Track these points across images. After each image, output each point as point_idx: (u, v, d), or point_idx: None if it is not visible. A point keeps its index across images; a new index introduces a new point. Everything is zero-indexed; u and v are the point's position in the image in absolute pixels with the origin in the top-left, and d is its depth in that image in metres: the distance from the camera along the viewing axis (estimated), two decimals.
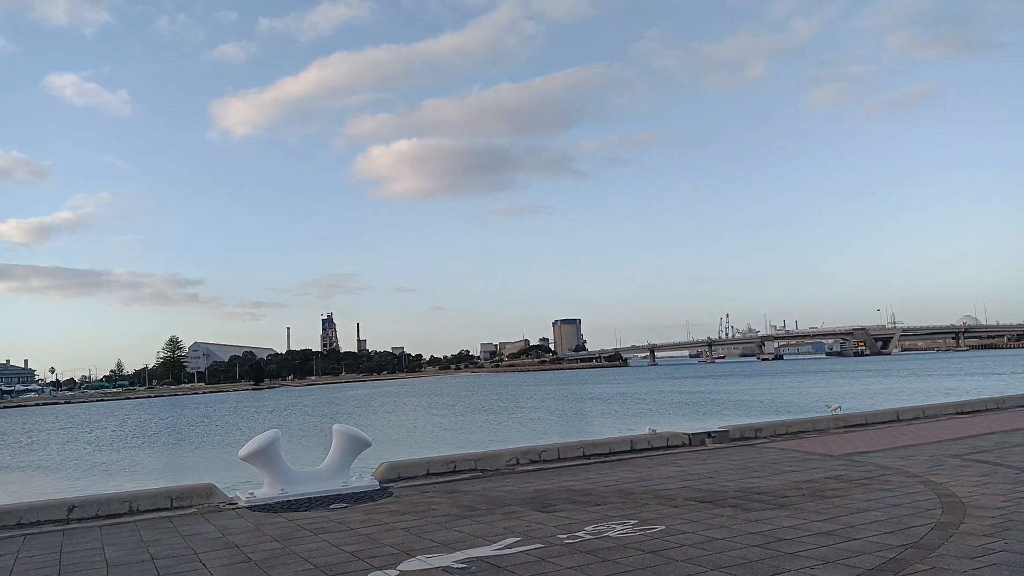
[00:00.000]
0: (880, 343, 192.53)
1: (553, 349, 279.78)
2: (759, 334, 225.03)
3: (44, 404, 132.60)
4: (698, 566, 5.24)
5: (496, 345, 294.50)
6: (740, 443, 12.74)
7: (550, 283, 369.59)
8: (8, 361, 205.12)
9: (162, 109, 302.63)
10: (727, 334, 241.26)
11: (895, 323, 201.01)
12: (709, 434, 12.94)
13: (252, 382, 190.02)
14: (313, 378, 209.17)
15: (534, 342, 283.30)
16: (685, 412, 38.61)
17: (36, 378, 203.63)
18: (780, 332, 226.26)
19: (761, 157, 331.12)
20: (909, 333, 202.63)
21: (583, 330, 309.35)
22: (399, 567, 5.62)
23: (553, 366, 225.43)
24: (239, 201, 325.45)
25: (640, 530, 6.47)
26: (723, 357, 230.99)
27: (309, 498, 9.06)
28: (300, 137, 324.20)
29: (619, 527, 6.62)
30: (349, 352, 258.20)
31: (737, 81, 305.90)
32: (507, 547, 6.07)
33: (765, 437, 13.29)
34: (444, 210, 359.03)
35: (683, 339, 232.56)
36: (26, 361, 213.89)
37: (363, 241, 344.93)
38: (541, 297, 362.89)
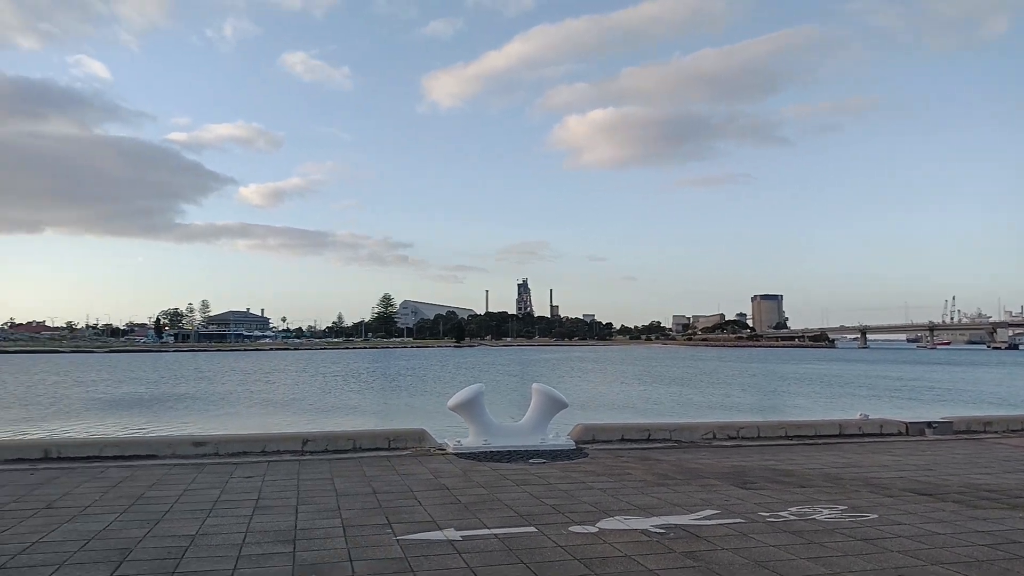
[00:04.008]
0: None
1: (751, 325, 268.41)
2: (991, 320, 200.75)
3: (277, 349, 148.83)
4: (916, 559, 4.92)
5: (689, 318, 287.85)
6: (965, 436, 11.61)
7: (749, 256, 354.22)
8: (248, 309, 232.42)
9: (379, 83, 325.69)
10: (952, 319, 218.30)
11: None
12: (930, 424, 11.91)
13: (454, 340, 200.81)
14: (508, 339, 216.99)
15: (730, 317, 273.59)
16: (901, 399, 35.61)
17: (271, 326, 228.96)
18: (1018, 319, 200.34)
19: (996, 125, 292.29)
20: None
21: (784, 307, 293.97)
22: (598, 524, 5.80)
23: (750, 342, 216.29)
24: (445, 170, 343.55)
25: (850, 516, 6.16)
26: (948, 343, 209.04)
27: (510, 451, 9.53)
28: (500, 109, 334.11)
29: (826, 511, 6.34)
30: (542, 317, 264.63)
31: (970, 41, 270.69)
32: (705, 518, 6.05)
33: (996, 432, 12.00)
34: (638, 179, 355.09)
35: (900, 321, 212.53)
36: (262, 310, 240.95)
37: (557, 210, 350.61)
38: (739, 271, 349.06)
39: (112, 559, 4.89)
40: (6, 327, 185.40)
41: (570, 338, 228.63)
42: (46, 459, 8.83)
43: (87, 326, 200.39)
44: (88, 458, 8.89)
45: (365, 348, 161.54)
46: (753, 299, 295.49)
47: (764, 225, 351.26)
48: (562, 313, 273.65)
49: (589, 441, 10.32)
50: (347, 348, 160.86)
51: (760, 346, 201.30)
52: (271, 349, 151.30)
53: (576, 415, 18.65)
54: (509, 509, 6.33)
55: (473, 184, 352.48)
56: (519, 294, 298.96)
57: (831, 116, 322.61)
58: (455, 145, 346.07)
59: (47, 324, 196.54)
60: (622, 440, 10.52)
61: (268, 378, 53.45)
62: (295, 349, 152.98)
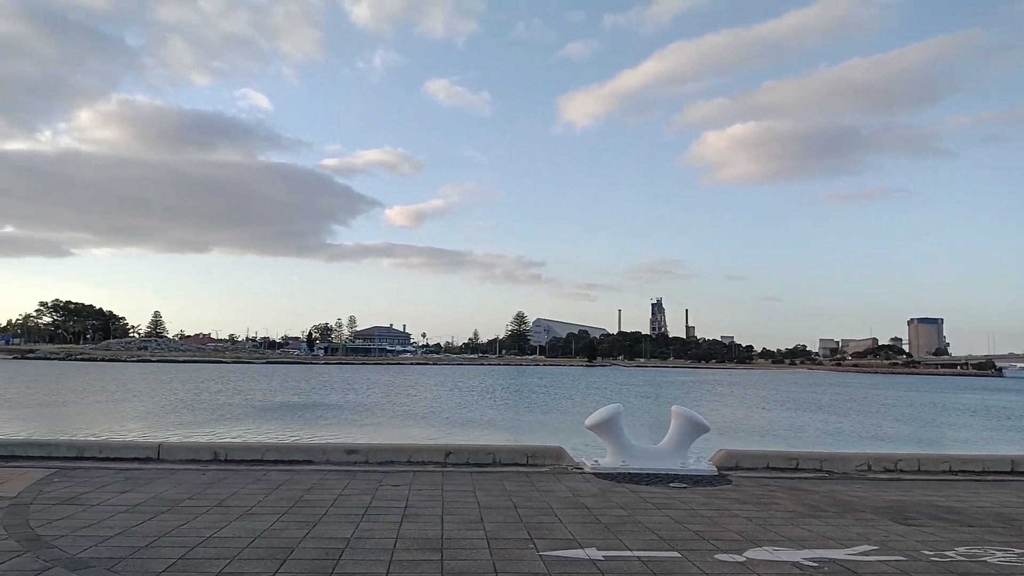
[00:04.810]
0: None
1: (907, 351, 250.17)
2: None
3: (417, 364, 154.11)
4: None
5: (838, 342, 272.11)
6: None
7: (904, 276, 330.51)
8: (391, 325, 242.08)
9: (516, 106, 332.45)
10: None
11: None
12: None
13: (585, 359, 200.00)
14: (642, 360, 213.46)
15: (883, 341, 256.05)
16: None
17: (411, 341, 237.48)
18: None
19: None
20: None
21: (945, 332, 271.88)
22: (745, 554, 5.61)
23: (906, 369, 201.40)
24: (578, 189, 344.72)
25: None
26: None
27: (649, 473, 9.39)
28: (635, 127, 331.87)
29: (1000, 553, 5.83)
30: (677, 338, 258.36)
31: None
32: (862, 553, 5.72)
33: None
34: (780, 196, 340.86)
35: None
36: (404, 326, 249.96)
37: (693, 228, 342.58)
38: (893, 292, 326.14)
39: (277, 557, 5.25)
40: (176, 338, 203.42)
41: (707, 361, 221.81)
42: (215, 461, 9.60)
43: (247, 339, 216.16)
44: (252, 461, 9.59)
45: (499, 365, 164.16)
46: (909, 323, 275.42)
47: (922, 243, 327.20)
48: (698, 334, 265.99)
49: (732, 468, 9.99)
50: (482, 364, 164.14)
51: (917, 373, 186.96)
52: (412, 363, 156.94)
53: (716, 441, 18.11)
54: (651, 532, 6.25)
55: (607, 202, 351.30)
56: (653, 314, 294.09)
57: (997, 126, 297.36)
58: (589, 164, 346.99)
59: (212, 336, 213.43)
60: (767, 468, 10.11)
61: (409, 391, 55.45)
62: (434, 364, 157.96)
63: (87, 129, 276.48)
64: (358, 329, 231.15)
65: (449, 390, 58.55)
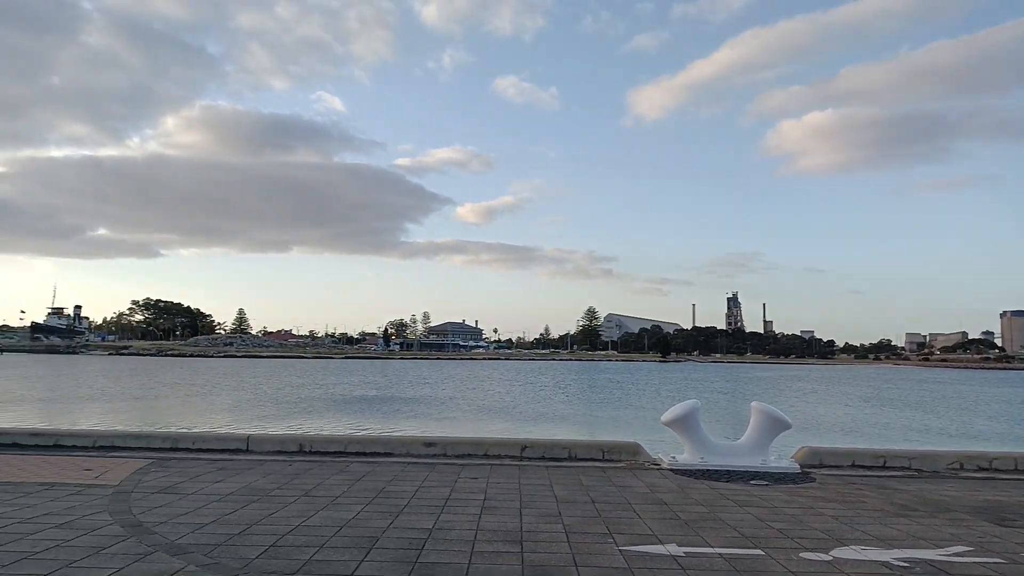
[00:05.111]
0: None
1: (1000, 345, 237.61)
2: None
3: (489, 359, 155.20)
4: None
5: (925, 336, 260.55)
6: None
7: (998, 268, 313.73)
8: (463, 321, 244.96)
9: (584, 101, 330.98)
10: None
11: None
12: None
13: (659, 354, 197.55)
14: (717, 355, 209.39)
15: (974, 335, 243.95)
16: None
17: (483, 336, 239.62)
18: None
19: None
20: None
21: None
22: (831, 552, 5.48)
23: (999, 364, 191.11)
24: (649, 182, 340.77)
25: None
26: None
27: (728, 470, 9.24)
28: (707, 117, 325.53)
29: None
30: (754, 332, 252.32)
31: None
32: (956, 555, 5.50)
33: None
34: (861, 185, 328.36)
35: None
36: (476, 321, 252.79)
37: (769, 219, 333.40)
38: (985, 284, 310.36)
39: (363, 545, 5.42)
40: (260, 335, 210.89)
41: (785, 356, 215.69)
42: (300, 452, 9.94)
43: (326, 335, 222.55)
44: (335, 453, 9.88)
45: (571, 360, 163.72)
46: (1003, 315, 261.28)
47: (1015, 231, 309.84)
48: (776, 329, 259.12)
49: (816, 465, 9.73)
50: (553, 359, 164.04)
51: (1011, 368, 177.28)
52: (484, 358, 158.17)
53: (797, 438, 17.65)
54: (732, 529, 6.16)
55: (679, 195, 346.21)
56: (728, 308, 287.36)
57: None
58: (660, 157, 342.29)
59: (293, 332, 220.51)
60: (853, 466, 9.80)
61: (483, 386, 55.97)
62: (505, 359, 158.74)
63: (173, 135, 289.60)
64: (432, 325, 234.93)
65: (521, 385, 58.80)
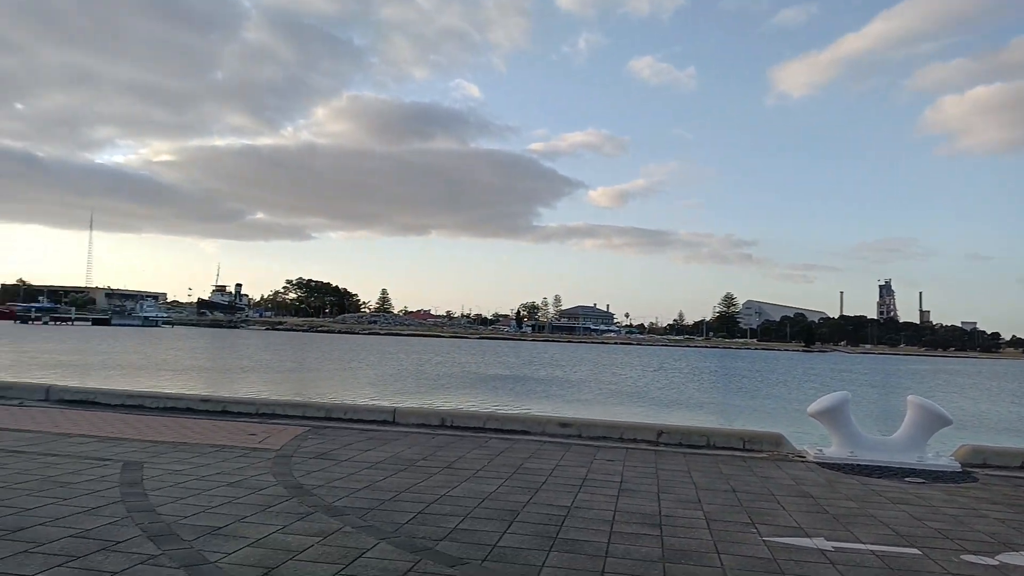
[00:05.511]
0: None
1: None
2: None
3: (620, 344, 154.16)
4: None
5: None
6: None
7: None
8: (595, 305, 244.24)
9: (724, 80, 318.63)
10: None
11: None
12: None
13: (802, 343, 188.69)
14: (867, 346, 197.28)
15: None
16: None
17: (615, 321, 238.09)
18: None
19: None
20: None
21: None
22: (998, 557, 5.10)
23: None
24: (793, 163, 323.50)
25: None
26: None
27: (880, 466, 8.76)
28: (857, 94, 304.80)
29: None
30: (909, 323, 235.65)
31: None
32: None
33: None
34: None
35: None
36: (608, 306, 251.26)
37: (927, 202, 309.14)
38: None
39: (504, 518, 5.59)
40: (401, 314, 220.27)
41: (944, 348, 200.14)
42: (442, 426, 10.34)
43: (462, 315, 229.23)
44: (474, 428, 10.20)
45: (706, 347, 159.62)
46: None
47: None
48: (933, 319, 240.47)
49: (978, 465, 9.04)
50: (688, 346, 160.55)
51: None
52: (615, 343, 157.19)
53: (956, 436, 16.44)
54: (885, 527, 5.86)
55: (825, 176, 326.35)
56: (880, 296, 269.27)
57: None
58: (806, 136, 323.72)
59: (431, 312, 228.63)
60: (1022, 467, 9.03)
61: (615, 370, 55.76)
62: (637, 344, 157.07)
63: (323, 124, 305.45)
64: (563, 308, 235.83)
65: (655, 370, 58.04)
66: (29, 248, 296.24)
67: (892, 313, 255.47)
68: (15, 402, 11.13)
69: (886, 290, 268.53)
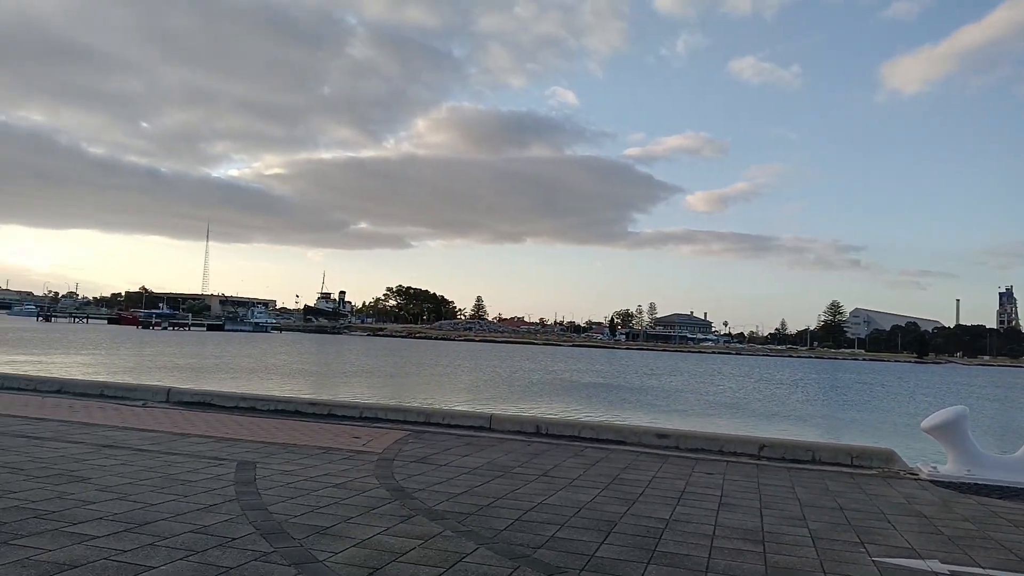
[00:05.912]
0: None
1: None
2: None
3: (719, 353, 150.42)
4: None
5: None
6: None
7: None
8: (691, 313, 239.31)
9: (830, 78, 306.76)
10: None
11: None
12: None
13: (914, 354, 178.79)
14: (986, 358, 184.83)
15: None
16: None
17: (712, 329, 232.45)
18: None
19: None
20: None
21: None
22: None
23: None
24: (904, 163, 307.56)
25: None
26: None
27: (1001, 486, 8.24)
28: (978, 89, 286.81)
29: None
30: None
31: None
32: None
33: None
34: None
35: None
36: (705, 314, 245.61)
37: None
38: None
39: (601, 528, 5.60)
40: (495, 320, 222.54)
41: None
42: (537, 434, 10.41)
43: (555, 323, 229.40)
44: (569, 437, 10.22)
45: (810, 357, 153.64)
46: None
47: None
48: None
49: None
50: (790, 356, 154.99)
51: None
52: (713, 352, 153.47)
53: None
54: (1007, 551, 5.52)
55: (942, 177, 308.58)
56: (1000, 304, 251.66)
57: None
58: (919, 135, 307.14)
59: (525, 319, 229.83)
60: None
61: (713, 380, 54.50)
62: (736, 354, 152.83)
63: (423, 135, 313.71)
64: (658, 316, 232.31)
65: (755, 381, 56.35)
66: (151, 257, 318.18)
67: (1014, 322, 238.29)
68: (139, 403, 11.95)
69: (1007, 297, 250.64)
